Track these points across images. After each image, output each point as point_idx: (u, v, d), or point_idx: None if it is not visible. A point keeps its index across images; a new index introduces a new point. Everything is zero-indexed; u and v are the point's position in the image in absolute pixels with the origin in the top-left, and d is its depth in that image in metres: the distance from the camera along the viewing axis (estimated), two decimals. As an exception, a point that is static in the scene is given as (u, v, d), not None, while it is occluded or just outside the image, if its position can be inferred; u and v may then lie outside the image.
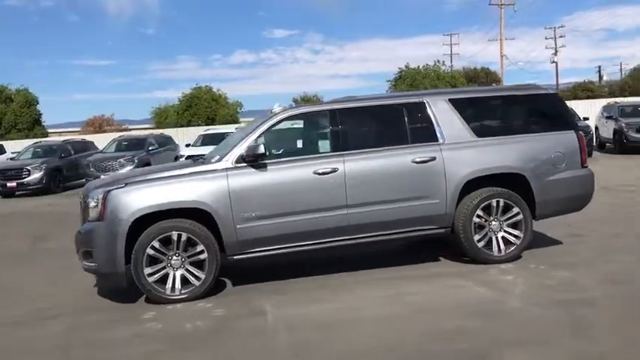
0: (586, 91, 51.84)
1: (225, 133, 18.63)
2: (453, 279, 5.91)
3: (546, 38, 62.27)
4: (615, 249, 6.73)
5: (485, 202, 6.30)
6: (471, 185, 6.33)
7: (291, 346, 4.47)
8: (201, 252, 5.80)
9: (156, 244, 5.74)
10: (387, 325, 4.73)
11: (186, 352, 4.45)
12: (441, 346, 4.24)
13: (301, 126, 6.81)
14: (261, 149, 5.81)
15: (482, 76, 56.51)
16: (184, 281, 5.82)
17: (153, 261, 5.76)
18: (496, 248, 6.37)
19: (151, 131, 28.92)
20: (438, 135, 6.34)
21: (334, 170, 6.02)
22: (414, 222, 6.26)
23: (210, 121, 37.37)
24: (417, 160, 6.21)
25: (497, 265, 6.27)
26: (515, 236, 6.41)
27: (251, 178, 5.95)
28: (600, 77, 66.87)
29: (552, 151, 6.51)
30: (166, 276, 5.79)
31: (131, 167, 17.90)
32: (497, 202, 6.33)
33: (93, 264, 5.83)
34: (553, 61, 62.18)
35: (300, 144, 6.60)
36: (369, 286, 5.87)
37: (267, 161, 5.97)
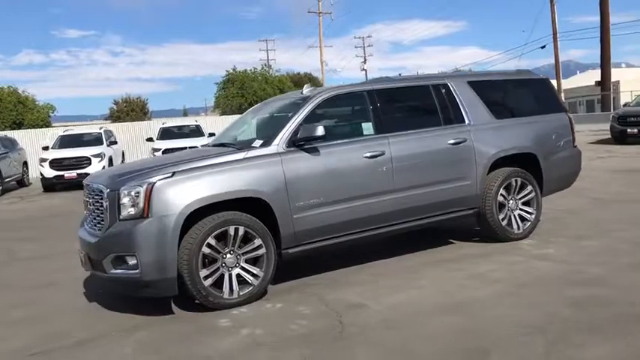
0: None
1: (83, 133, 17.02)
2: (502, 257, 5.98)
3: (356, 47, 66.70)
4: (598, 218, 7.39)
5: (507, 182, 6.52)
6: (494, 166, 6.50)
7: (448, 329, 4.14)
8: (259, 247, 5.15)
9: (212, 241, 4.96)
10: (508, 301, 4.63)
11: (343, 352, 3.91)
12: (596, 311, 4.26)
13: (283, 114, 6.31)
14: (321, 130, 5.33)
15: (307, 81, 58.44)
16: (240, 281, 5.12)
17: (208, 261, 4.98)
18: (515, 226, 6.63)
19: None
20: (465, 116, 6.41)
21: (382, 153, 5.77)
22: (452, 204, 6.26)
23: (17, 125, 32.97)
24: (452, 141, 6.22)
25: (518, 242, 6.50)
26: (529, 213, 6.73)
27: (305, 163, 5.44)
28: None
29: (554, 132, 6.97)
30: (221, 277, 5.04)
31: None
32: (516, 181, 6.60)
33: (132, 272, 4.85)
34: (363, 69, 67.08)
35: (342, 126, 6.18)
36: (434, 268, 5.74)
37: (318, 144, 5.50)
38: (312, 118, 5.59)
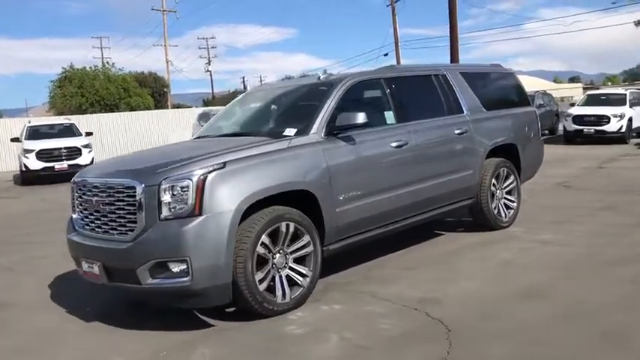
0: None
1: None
2: (507, 244, 6.11)
3: (199, 48, 65.38)
4: (552, 205, 7.89)
5: (497, 172, 6.69)
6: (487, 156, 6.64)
7: (553, 315, 4.05)
8: (307, 245, 4.70)
9: (266, 239, 4.42)
10: (570, 285, 4.71)
11: (477, 348, 3.64)
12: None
13: (302, 101, 5.95)
14: (362, 117, 4.99)
15: (151, 80, 55.83)
16: (290, 283, 4.63)
17: (260, 262, 4.42)
18: (503, 214, 6.83)
19: None
20: (463, 107, 6.45)
21: (406, 143, 5.59)
22: (459, 194, 6.28)
23: None
24: (458, 131, 6.24)
25: (508, 231, 6.70)
26: (512, 202, 6.97)
27: (344, 152, 5.08)
28: (245, 87, 73.86)
29: (526, 124, 7.30)
30: (273, 280, 4.51)
31: None
32: (503, 171, 6.80)
33: (179, 280, 4.13)
34: (207, 70, 66.11)
35: (368, 114, 5.81)
36: (456, 258, 5.69)
37: (352, 133, 5.16)
38: (342, 105, 5.23)
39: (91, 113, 31.66)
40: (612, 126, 17.47)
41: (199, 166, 4.24)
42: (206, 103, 57.59)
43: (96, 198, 4.55)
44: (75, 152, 16.36)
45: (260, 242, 4.36)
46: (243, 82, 76.93)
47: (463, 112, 6.42)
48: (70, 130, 17.66)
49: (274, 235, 4.48)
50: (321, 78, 5.62)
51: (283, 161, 4.66)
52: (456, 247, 6.15)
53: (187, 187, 4.13)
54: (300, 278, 4.65)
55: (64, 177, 16.18)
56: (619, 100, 18.51)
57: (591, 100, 19.48)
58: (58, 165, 16.08)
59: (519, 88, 7.61)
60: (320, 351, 3.80)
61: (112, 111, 33.25)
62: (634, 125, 18.29)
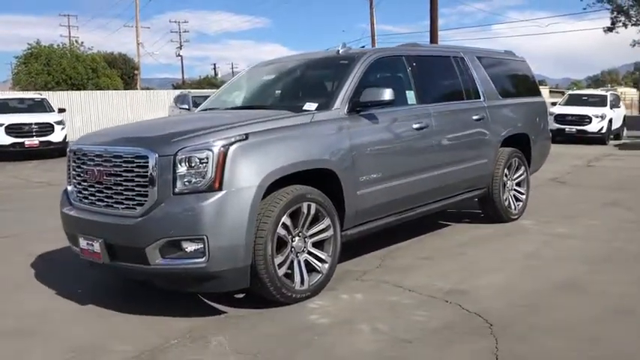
0: (211, 85, 55.73)
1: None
2: (524, 237, 5.88)
3: (171, 32, 64.06)
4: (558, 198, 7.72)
5: (509, 162, 6.44)
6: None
7: (600, 308, 3.80)
8: (327, 228, 4.34)
9: (287, 220, 4.05)
10: (605, 278, 4.48)
11: (528, 343, 3.34)
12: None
13: (320, 76, 5.62)
14: (389, 94, 4.63)
15: (121, 61, 54.47)
16: (308, 269, 4.27)
17: (278, 246, 4.05)
18: (513, 206, 6.59)
19: None
20: (480, 92, 6.17)
21: (427, 126, 5.28)
22: (474, 182, 6.03)
23: None
24: (475, 117, 5.96)
25: (517, 223, 6.47)
26: (521, 193, 6.74)
27: (367, 130, 4.73)
28: (216, 74, 72.91)
29: (537, 114, 7.08)
30: (291, 265, 4.15)
31: None
32: (514, 161, 6.55)
33: (193, 260, 3.72)
34: (178, 55, 64.96)
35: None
36: (473, 249, 5.42)
37: (374, 111, 4.80)
38: (364, 81, 4.87)
39: (48, 92, 30.71)
40: (594, 126, 17.54)
41: (219, 137, 3.83)
42: (176, 88, 56.49)
43: (98, 168, 4.08)
44: (47, 128, 15.54)
45: (281, 223, 3.98)
46: (215, 68, 76.05)
47: (480, 98, 6.14)
48: (41, 106, 16.81)
49: (294, 217, 4.11)
50: (340, 52, 5.24)
51: (307, 137, 4.29)
52: (469, 238, 5.88)
53: (207, 158, 3.72)
54: (319, 264, 4.30)
55: (35, 154, 15.47)
56: (600, 102, 18.63)
57: (572, 100, 19.56)
58: (28, 141, 15.23)
59: (531, 77, 7.37)
60: (356, 342, 3.45)
61: (79, 90, 32.13)
62: (613, 127, 18.43)
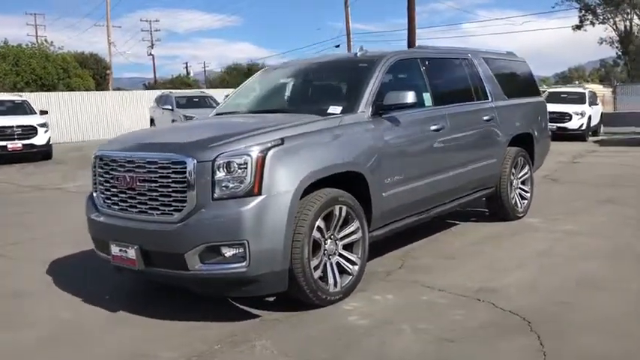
0: (184, 85, 55.30)
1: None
2: (534, 234, 6.00)
3: (142, 30, 63.46)
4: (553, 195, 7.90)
5: (515, 161, 6.57)
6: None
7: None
8: (356, 231, 4.39)
9: (321, 223, 4.08)
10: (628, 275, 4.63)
11: (571, 341, 3.43)
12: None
13: (339, 79, 5.64)
14: (412, 97, 4.70)
15: (93, 61, 53.59)
16: (339, 271, 4.31)
17: (313, 248, 4.08)
18: (519, 204, 6.73)
19: None
20: (488, 93, 6.29)
21: (443, 127, 5.37)
22: (484, 182, 6.14)
23: None
24: (486, 117, 6.08)
25: (524, 221, 6.61)
26: (525, 192, 6.88)
27: (390, 133, 4.79)
28: (188, 73, 72.34)
29: (539, 114, 7.23)
30: (324, 268, 4.19)
31: None
32: (520, 160, 6.69)
33: (234, 265, 3.74)
34: (150, 54, 64.45)
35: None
36: (489, 247, 5.53)
37: (395, 114, 4.87)
38: (385, 84, 4.93)
39: (27, 93, 30.14)
40: (574, 123, 17.94)
41: (256, 142, 3.84)
42: (147, 88, 55.76)
43: (130, 174, 4.05)
44: (30, 131, 15.25)
45: (316, 226, 4.02)
46: (187, 67, 75.43)
47: (488, 99, 6.25)
48: (22, 108, 16.45)
49: (327, 220, 4.15)
50: (358, 55, 5.30)
51: (338, 140, 4.33)
52: (482, 236, 5.98)
53: (246, 163, 3.74)
54: (350, 266, 4.35)
55: (17, 157, 15.18)
56: (579, 99, 19.04)
57: (552, 98, 19.91)
58: (10, 144, 14.93)
59: (532, 77, 7.54)
60: (401, 343, 3.50)
61: (49, 91, 31.51)
62: (592, 124, 18.86)
